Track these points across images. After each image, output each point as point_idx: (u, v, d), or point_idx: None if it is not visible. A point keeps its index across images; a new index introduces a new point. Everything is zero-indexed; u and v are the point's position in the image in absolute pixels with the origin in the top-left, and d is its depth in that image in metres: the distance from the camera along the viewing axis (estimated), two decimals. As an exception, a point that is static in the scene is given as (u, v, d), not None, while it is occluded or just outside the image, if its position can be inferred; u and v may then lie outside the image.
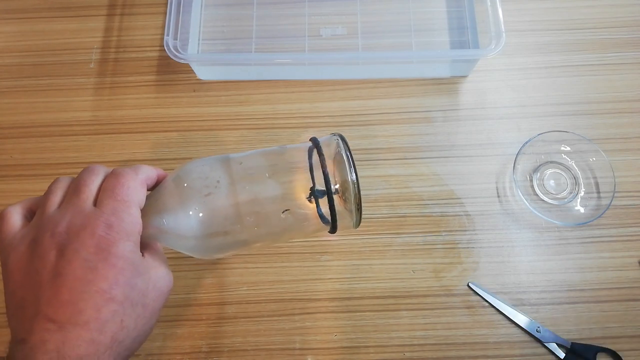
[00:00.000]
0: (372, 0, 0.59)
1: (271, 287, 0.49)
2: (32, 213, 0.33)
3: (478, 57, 0.53)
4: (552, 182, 0.52)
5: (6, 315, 0.30)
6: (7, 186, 0.53)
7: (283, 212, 0.36)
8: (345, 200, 0.37)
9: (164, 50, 0.51)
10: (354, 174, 0.35)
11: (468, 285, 0.48)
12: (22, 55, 0.58)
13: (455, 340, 0.47)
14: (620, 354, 0.45)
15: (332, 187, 0.35)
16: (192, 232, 0.34)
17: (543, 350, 0.46)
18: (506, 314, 0.47)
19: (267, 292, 0.49)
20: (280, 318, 0.48)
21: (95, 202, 0.32)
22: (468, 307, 0.48)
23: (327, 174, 0.35)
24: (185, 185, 0.34)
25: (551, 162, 0.53)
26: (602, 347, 0.45)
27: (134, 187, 0.32)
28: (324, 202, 0.36)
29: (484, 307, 0.48)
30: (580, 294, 0.48)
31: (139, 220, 0.32)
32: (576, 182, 0.52)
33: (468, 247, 0.50)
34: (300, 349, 0.47)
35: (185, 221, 0.33)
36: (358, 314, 0.48)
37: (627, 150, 0.53)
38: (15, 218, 0.32)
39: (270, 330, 0.47)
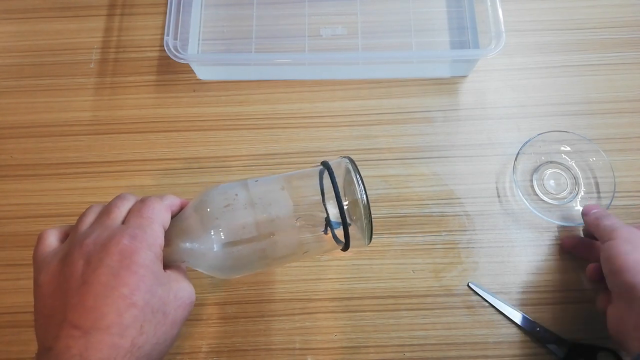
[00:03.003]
0: (372, 0, 0.59)
1: (271, 287, 0.49)
2: (67, 236, 0.35)
3: (478, 57, 0.53)
4: (552, 182, 0.52)
5: (34, 328, 0.32)
6: (7, 186, 0.53)
7: (297, 219, 0.38)
8: (354, 220, 0.39)
9: (164, 50, 0.51)
10: (365, 197, 0.37)
11: (468, 285, 0.48)
12: (22, 55, 0.58)
13: (455, 340, 0.47)
14: (620, 354, 0.45)
15: (345, 214, 0.37)
16: (212, 244, 0.35)
17: (543, 350, 0.46)
18: (506, 314, 0.47)
19: (267, 292, 0.49)
20: (280, 318, 0.48)
21: (123, 222, 0.34)
22: (468, 307, 0.48)
23: (342, 205, 0.37)
24: (206, 206, 0.37)
25: (551, 162, 0.53)
26: (602, 347, 0.45)
27: (159, 209, 0.35)
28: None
29: (484, 307, 0.48)
30: (580, 294, 0.48)
31: (161, 236, 0.34)
32: (576, 182, 0.52)
33: (468, 247, 0.50)
34: (300, 349, 0.47)
35: (206, 234, 0.35)
36: (358, 314, 0.48)
37: (627, 150, 0.53)
38: (52, 239, 0.34)
39: (270, 330, 0.47)
